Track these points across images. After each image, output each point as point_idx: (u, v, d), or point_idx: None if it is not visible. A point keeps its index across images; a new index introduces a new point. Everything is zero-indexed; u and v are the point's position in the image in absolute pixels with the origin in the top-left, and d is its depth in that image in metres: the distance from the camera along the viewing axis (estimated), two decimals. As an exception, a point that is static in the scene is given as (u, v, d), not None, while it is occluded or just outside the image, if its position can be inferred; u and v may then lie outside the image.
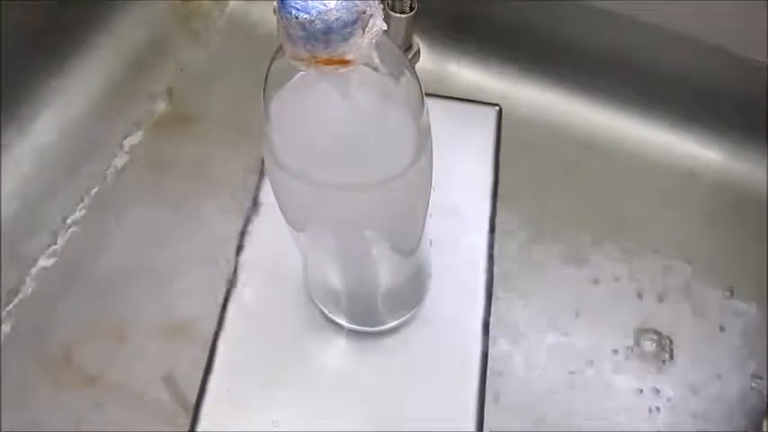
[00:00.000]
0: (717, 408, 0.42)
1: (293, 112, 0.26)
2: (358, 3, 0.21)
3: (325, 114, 0.26)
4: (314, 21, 0.21)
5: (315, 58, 0.22)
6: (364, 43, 0.22)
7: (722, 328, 0.45)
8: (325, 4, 0.21)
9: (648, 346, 0.44)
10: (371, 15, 0.22)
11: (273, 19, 0.22)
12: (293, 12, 0.21)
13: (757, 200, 0.49)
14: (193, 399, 0.42)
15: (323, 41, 0.21)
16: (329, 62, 0.22)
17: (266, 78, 0.26)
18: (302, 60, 0.22)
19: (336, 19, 0.21)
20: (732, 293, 0.46)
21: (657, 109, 0.51)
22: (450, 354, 0.43)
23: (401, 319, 0.43)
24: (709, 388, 0.43)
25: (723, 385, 0.43)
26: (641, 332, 0.44)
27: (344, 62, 0.22)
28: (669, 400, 0.42)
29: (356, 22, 0.21)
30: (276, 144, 0.27)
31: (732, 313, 0.45)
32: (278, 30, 0.22)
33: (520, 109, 0.52)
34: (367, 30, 0.22)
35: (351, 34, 0.21)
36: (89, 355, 0.44)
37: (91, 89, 0.53)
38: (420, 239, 0.36)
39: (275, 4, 0.22)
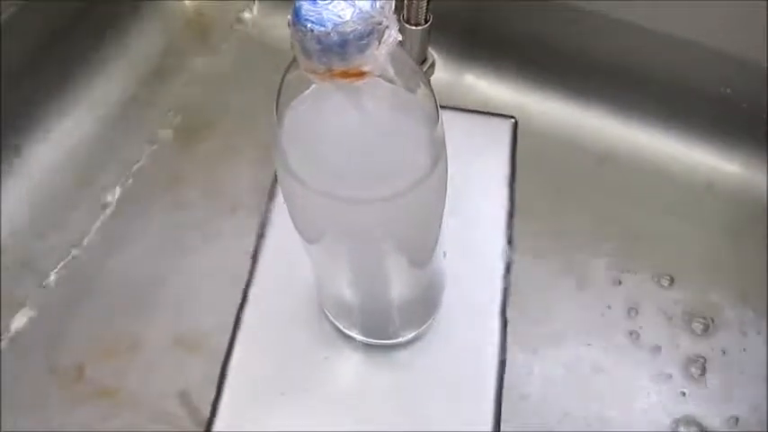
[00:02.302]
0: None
1: (307, 125, 0.26)
2: (374, 13, 0.21)
3: (340, 126, 0.26)
4: (330, 33, 0.21)
5: (331, 70, 0.22)
6: (381, 54, 0.22)
7: (746, 342, 0.44)
8: (340, 16, 0.21)
9: (668, 360, 0.43)
10: (387, 26, 0.22)
11: (286, 31, 0.22)
12: (308, 25, 0.21)
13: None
14: (207, 413, 0.42)
15: (339, 54, 0.21)
16: (345, 74, 0.22)
17: (279, 90, 0.26)
18: (318, 73, 0.22)
19: (352, 31, 0.21)
20: (752, 306, 0.45)
21: (674, 120, 0.51)
22: (465, 366, 0.43)
23: (415, 332, 0.43)
24: (728, 413, 0.42)
25: (756, 408, 0.42)
26: (662, 346, 0.44)
27: (361, 74, 0.22)
28: (688, 421, 0.42)
29: (372, 33, 0.21)
30: (289, 156, 0.27)
31: (755, 326, 0.45)
32: (292, 43, 0.22)
33: (535, 121, 0.52)
34: (383, 41, 0.22)
35: (367, 46, 0.21)
36: (102, 368, 0.44)
37: (106, 101, 0.53)
38: (434, 251, 0.36)
39: (289, 17, 0.21)
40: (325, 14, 0.21)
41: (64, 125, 0.51)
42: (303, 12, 0.21)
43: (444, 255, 0.41)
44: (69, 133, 0.51)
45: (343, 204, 0.28)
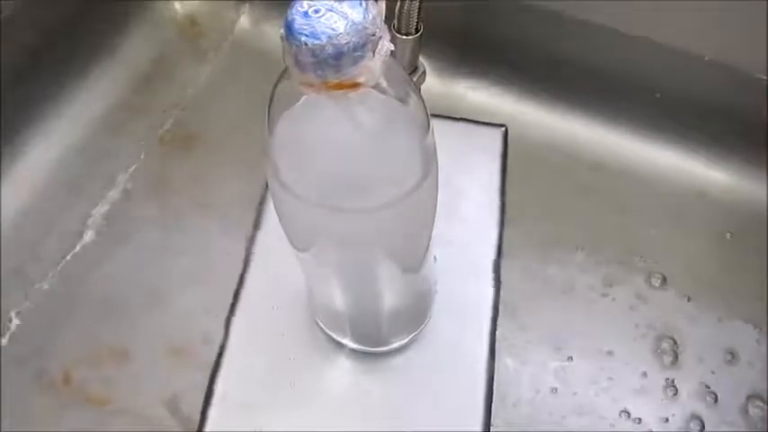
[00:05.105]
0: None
1: (299, 135, 0.26)
2: (367, 24, 0.21)
3: (331, 137, 0.26)
4: (325, 46, 0.21)
5: (325, 83, 0.22)
6: (375, 65, 0.22)
7: (732, 350, 0.44)
8: (334, 29, 0.21)
9: (661, 368, 0.44)
10: (380, 37, 0.22)
11: (279, 40, 0.22)
12: (302, 38, 0.21)
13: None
14: (196, 421, 0.42)
15: (334, 66, 0.21)
16: (340, 86, 0.22)
17: (271, 100, 0.26)
18: (312, 86, 0.22)
19: (347, 42, 0.21)
20: (741, 314, 0.45)
21: (666, 129, 0.51)
22: (456, 373, 0.43)
23: (406, 339, 0.43)
24: (726, 416, 0.42)
25: (725, 408, 0.42)
26: (653, 355, 0.44)
27: (355, 85, 0.22)
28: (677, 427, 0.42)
29: (366, 44, 0.21)
30: (281, 166, 0.27)
31: (742, 333, 0.45)
32: (284, 56, 0.22)
33: (527, 130, 0.52)
34: (377, 51, 0.22)
35: (361, 57, 0.21)
36: (90, 377, 0.43)
37: (97, 108, 0.53)
38: (424, 258, 0.36)
39: (282, 31, 0.21)
40: (318, 27, 0.21)
41: (54, 132, 0.51)
42: (296, 26, 0.21)
43: (435, 259, 0.41)
44: (59, 141, 0.51)
45: (335, 214, 0.28)
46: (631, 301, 0.46)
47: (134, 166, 0.51)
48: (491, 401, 0.42)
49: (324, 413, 0.42)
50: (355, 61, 0.21)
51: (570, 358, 0.44)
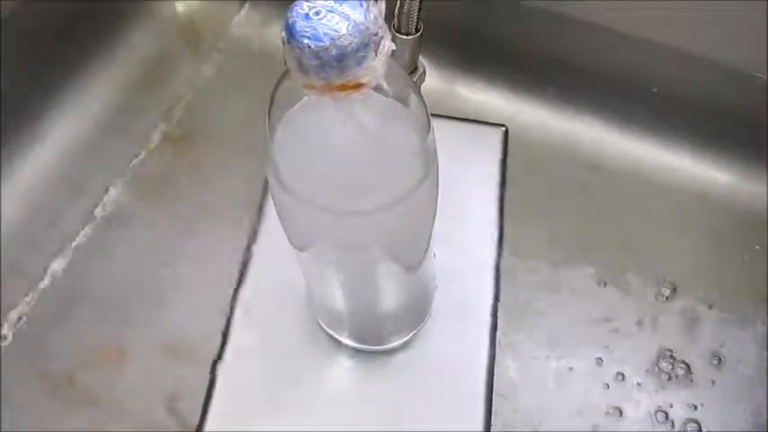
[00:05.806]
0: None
1: (299, 136, 0.26)
2: (369, 25, 0.21)
3: (332, 138, 0.26)
4: (328, 48, 0.20)
5: (329, 85, 0.22)
6: (378, 66, 0.22)
7: (733, 350, 0.44)
8: (336, 30, 0.21)
9: (660, 369, 0.44)
10: (382, 37, 0.22)
11: (279, 40, 0.22)
12: (305, 41, 0.21)
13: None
14: (195, 421, 0.42)
15: (337, 68, 0.21)
16: (343, 88, 0.22)
17: (272, 101, 0.26)
18: (315, 88, 0.22)
19: (350, 44, 0.21)
20: (741, 316, 0.45)
21: (666, 130, 0.51)
22: (455, 373, 0.43)
23: (406, 337, 0.43)
24: (724, 417, 0.42)
25: (731, 415, 0.42)
26: (653, 356, 0.44)
27: (359, 86, 0.22)
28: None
29: (369, 44, 0.21)
30: (281, 166, 0.27)
31: (743, 336, 0.45)
32: (285, 59, 0.22)
33: (527, 130, 0.52)
34: (379, 51, 0.22)
35: (364, 58, 0.21)
36: (90, 377, 0.43)
37: (96, 107, 0.53)
38: (424, 257, 0.36)
39: (282, 34, 0.21)
40: (320, 29, 0.20)
41: (54, 132, 0.51)
42: (298, 28, 0.21)
43: (435, 255, 0.41)
44: (59, 141, 0.51)
45: (336, 215, 0.28)
46: (631, 301, 0.46)
47: (134, 166, 0.51)
48: (491, 401, 0.42)
49: (324, 412, 0.42)
50: (358, 62, 0.21)
51: (570, 358, 0.44)
